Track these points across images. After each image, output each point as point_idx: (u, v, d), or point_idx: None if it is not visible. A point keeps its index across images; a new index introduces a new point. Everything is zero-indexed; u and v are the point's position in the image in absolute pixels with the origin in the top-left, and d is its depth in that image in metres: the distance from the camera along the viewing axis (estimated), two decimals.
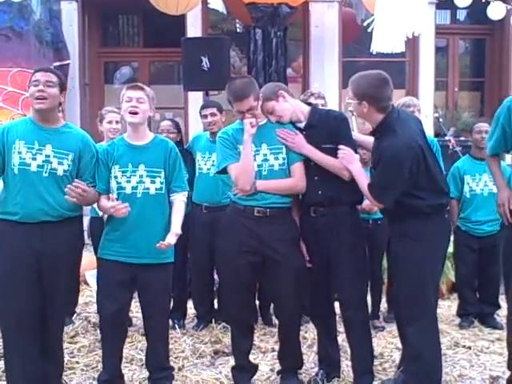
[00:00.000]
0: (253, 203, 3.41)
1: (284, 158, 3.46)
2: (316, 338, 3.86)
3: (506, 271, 3.60)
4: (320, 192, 3.46)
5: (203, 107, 4.88)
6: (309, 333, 4.42)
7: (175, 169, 3.44)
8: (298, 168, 3.47)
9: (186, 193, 3.51)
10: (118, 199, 3.30)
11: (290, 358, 3.65)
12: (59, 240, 3.24)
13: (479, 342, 4.39)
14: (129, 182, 3.36)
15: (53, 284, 3.25)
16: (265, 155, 3.46)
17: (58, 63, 7.76)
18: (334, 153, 3.45)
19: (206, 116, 4.74)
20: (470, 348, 4.28)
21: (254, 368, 3.68)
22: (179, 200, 3.46)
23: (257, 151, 3.46)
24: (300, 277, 3.46)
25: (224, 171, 3.51)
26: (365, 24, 7.17)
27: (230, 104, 3.47)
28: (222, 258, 3.58)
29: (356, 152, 3.53)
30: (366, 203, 4.49)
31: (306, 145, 3.47)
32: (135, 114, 3.33)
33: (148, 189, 3.36)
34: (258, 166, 3.45)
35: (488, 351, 4.22)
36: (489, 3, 7.50)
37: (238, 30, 10.19)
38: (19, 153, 3.21)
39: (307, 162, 3.48)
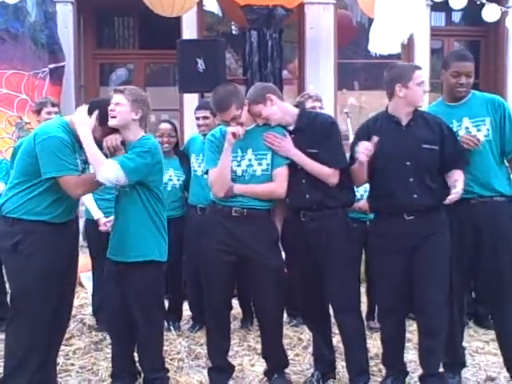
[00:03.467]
0: (230, 204, 3.44)
1: (268, 164, 3.46)
2: (311, 339, 3.86)
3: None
4: (307, 196, 3.45)
5: (197, 108, 4.88)
6: (304, 334, 4.42)
7: None
8: (280, 173, 3.46)
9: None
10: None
11: (274, 357, 3.66)
12: None
13: (474, 342, 4.39)
14: None
15: None
16: (250, 160, 3.47)
17: (53, 65, 7.77)
18: (319, 158, 3.44)
19: (198, 118, 4.75)
20: (465, 349, 4.27)
21: (232, 368, 3.69)
22: None
23: (242, 156, 3.47)
24: (277, 277, 3.47)
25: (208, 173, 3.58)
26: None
27: (212, 113, 3.53)
28: (201, 256, 3.60)
29: (345, 155, 3.54)
30: (363, 203, 4.52)
31: (293, 149, 3.46)
32: (113, 117, 3.35)
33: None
34: (243, 171, 3.46)
35: (483, 352, 4.22)
36: (483, 5, 7.52)
37: (234, 32, 10.21)
38: None
39: (295, 165, 3.48)
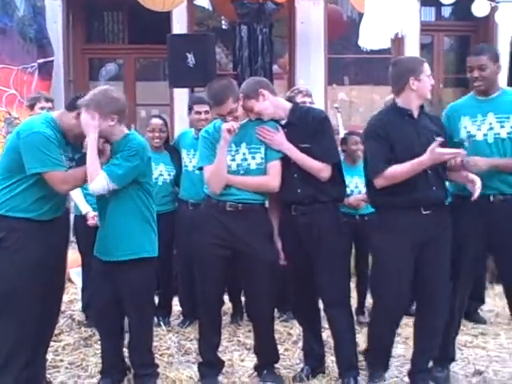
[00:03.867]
0: (225, 198, 3.44)
1: (262, 158, 3.47)
2: (301, 334, 3.87)
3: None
4: (299, 190, 3.45)
5: (198, 102, 4.79)
6: (294, 329, 4.43)
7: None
8: (273, 167, 3.47)
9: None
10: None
11: (265, 351, 3.66)
12: None
13: (463, 336, 4.41)
14: None
15: None
16: (244, 154, 3.47)
17: (42, 60, 7.72)
18: (311, 152, 3.44)
19: (200, 112, 4.70)
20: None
21: (221, 364, 3.69)
22: None
23: (236, 151, 3.47)
24: (272, 271, 3.47)
25: (202, 169, 3.56)
26: None
27: (210, 108, 3.50)
28: (194, 250, 3.58)
29: (337, 150, 3.54)
30: (353, 198, 4.54)
31: (286, 142, 3.46)
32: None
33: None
34: (237, 165, 3.46)
35: (471, 345, 4.24)
36: (473, 0, 7.53)
37: (224, 27, 10.18)
38: None
39: (287, 159, 3.48)
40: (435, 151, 3.21)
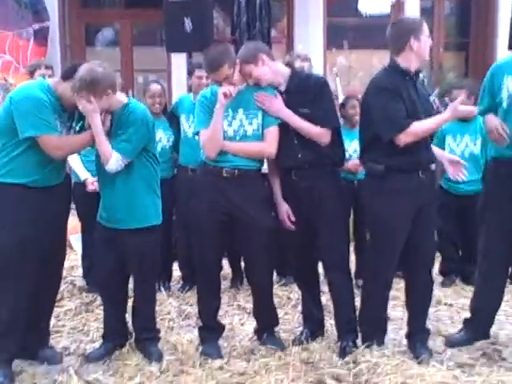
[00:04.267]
0: (221, 164, 3.43)
1: (259, 124, 3.45)
2: (300, 298, 3.90)
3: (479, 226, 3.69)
4: (300, 155, 3.45)
5: (199, 67, 4.67)
6: (293, 293, 4.47)
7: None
8: (270, 133, 3.45)
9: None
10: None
11: (265, 316, 3.70)
12: None
13: (461, 299, 4.46)
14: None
15: None
16: (241, 120, 3.45)
17: (37, 25, 7.62)
18: (311, 117, 3.42)
19: (201, 77, 4.67)
20: (451, 305, 4.35)
21: (222, 328, 3.72)
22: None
23: (233, 117, 3.45)
24: (269, 237, 3.48)
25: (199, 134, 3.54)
26: None
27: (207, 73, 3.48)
28: (192, 216, 3.59)
29: (336, 114, 3.53)
30: (352, 163, 4.53)
31: (284, 108, 3.44)
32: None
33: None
34: (234, 131, 3.44)
35: (468, 308, 4.27)
36: None
37: None
38: None
39: (286, 125, 3.46)
40: (458, 109, 3.27)
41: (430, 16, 9.27)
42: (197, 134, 3.59)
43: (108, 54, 9.31)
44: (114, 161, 3.28)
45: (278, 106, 3.44)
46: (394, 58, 3.41)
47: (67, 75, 3.28)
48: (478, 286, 3.71)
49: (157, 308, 3.88)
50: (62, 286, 4.67)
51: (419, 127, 3.29)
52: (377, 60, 8.76)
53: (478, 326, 3.67)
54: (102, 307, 3.73)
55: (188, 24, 6.37)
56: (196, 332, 3.75)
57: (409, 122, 3.27)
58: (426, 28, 3.39)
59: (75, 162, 4.52)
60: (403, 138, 3.27)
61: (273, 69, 3.50)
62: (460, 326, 3.83)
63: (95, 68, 3.22)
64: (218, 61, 3.39)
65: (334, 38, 8.87)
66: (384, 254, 3.43)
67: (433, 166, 3.46)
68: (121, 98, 3.38)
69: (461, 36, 9.78)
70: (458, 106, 3.25)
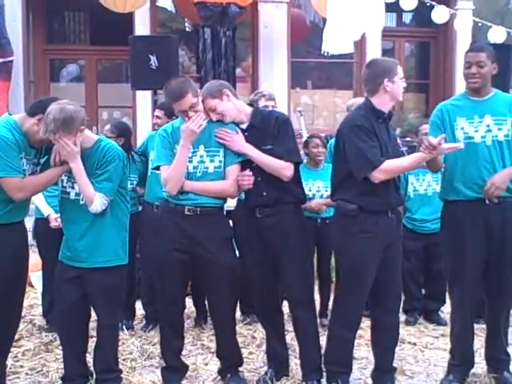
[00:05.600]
0: (183, 202, 3.42)
1: (221, 161, 3.45)
2: (265, 337, 3.87)
3: (446, 269, 3.71)
4: (265, 193, 3.46)
5: (159, 107, 4.85)
6: (258, 332, 4.43)
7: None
8: (232, 171, 3.45)
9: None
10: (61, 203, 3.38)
11: (228, 355, 3.65)
12: None
13: (424, 338, 4.48)
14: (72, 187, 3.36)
15: None
16: (201, 157, 3.45)
17: (1, 60, 7.57)
18: (274, 153, 3.43)
19: (159, 117, 4.73)
20: (415, 344, 4.36)
21: (185, 368, 3.67)
22: None
23: (194, 153, 3.44)
24: (231, 275, 3.47)
25: (158, 168, 3.53)
26: None
27: (172, 106, 3.49)
28: (153, 255, 3.56)
29: (299, 151, 3.57)
30: (315, 202, 4.57)
31: (245, 144, 3.45)
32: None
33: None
34: (194, 167, 3.44)
35: (432, 347, 4.31)
36: (433, 7, 7.68)
37: (187, 29, 10.15)
38: None
39: (250, 163, 3.47)
40: (441, 147, 3.24)
41: (390, 57, 9.52)
42: (156, 168, 3.57)
43: (72, 90, 9.29)
44: (99, 201, 3.25)
45: (239, 141, 3.45)
46: (368, 98, 3.46)
47: (33, 111, 3.25)
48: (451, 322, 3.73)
49: (119, 348, 3.81)
50: (21, 325, 4.55)
51: (393, 165, 3.33)
52: (340, 99, 8.96)
53: (462, 363, 3.65)
54: (62, 349, 3.63)
55: (154, 61, 6.41)
56: (159, 372, 3.68)
57: (382, 159, 3.31)
58: (400, 70, 3.44)
59: (38, 197, 4.44)
60: (377, 175, 3.30)
61: (236, 106, 3.53)
62: (424, 365, 3.83)
63: (65, 106, 3.16)
64: (180, 90, 3.39)
65: (298, 77, 9.05)
66: (353, 294, 3.42)
67: (400, 208, 3.52)
68: (90, 134, 3.36)
69: (421, 77, 10.07)
70: (439, 143, 3.24)
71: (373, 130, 3.34)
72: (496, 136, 3.46)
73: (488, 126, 3.48)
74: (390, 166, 3.31)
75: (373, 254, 3.35)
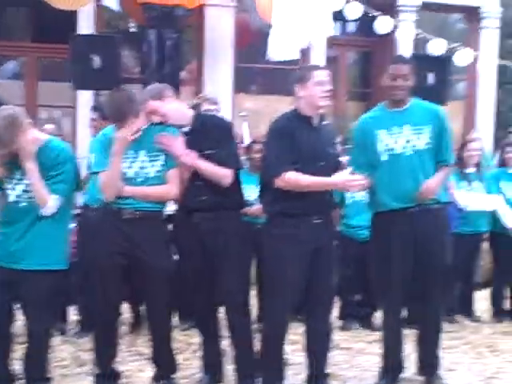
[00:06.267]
0: (122, 206, 3.39)
1: (162, 165, 3.44)
2: (200, 343, 3.85)
3: (374, 278, 3.84)
4: (204, 198, 3.46)
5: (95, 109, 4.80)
6: (194, 338, 4.41)
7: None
8: (172, 175, 3.45)
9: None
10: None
11: (163, 362, 3.62)
12: None
13: (359, 343, 4.55)
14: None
15: None
16: (143, 162, 3.43)
17: None
18: (214, 158, 3.44)
19: (94, 120, 4.66)
20: (349, 349, 4.43)
21: (118, 375, 3.63)
22: None
23: (134, 158, 3.42)
24: (168, 279, 3.46)
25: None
26: None
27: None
28: (90, 259, 3.52)
29: (239, 157, 3.58)
30: (256, 207, 4.58)
31: (183, 150, 3.43)
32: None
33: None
34: (135, 173, 3.41)
35: (366, 352, 4.38)
36: (376, 17, 7.82)
37: (132, 30, 10.03)
38: None
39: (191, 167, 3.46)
40: (348, 181, 3.31)
41: (335, 65, 9.66)
42: (95, 173, 3.53)
43: (11, 88, 9.05)
44: (53, 204, 3.20)
45: (178, 146, 3.42)
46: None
47: None
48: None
49: (51, 354, 3.72)
50: None
51: (296, 178, 3.31)
52: (285, 105, 9.00)
53: (393, 368, 3.73)
54: None
55: (96, 61, 6.30)
56: (91, 380, 3.61)
57: (285, 168, 3.30)
58: (317, 75, 3.39)
59: None
60: (279, 183, 3.33)
61: (178, 109, 3.53)
62: (356, 370, 3.89)
63: (4, 111, 3.13)
64: (122, 112, 3.34)
65: (243, 82, 9.05)
66: (274, 296, 3.44)
67: (331, 211, 3.55)
68: (39, 134, 3.31)
69: (363, 86, 10.22)
70: (348, 177, 3.32)
71: (290, 134, 3.35)
72: (415, 146, 3.54)
73: (407, 136, 3.55)
74: (292, 179, 3.31)
75: (293, 258, 3.35)
